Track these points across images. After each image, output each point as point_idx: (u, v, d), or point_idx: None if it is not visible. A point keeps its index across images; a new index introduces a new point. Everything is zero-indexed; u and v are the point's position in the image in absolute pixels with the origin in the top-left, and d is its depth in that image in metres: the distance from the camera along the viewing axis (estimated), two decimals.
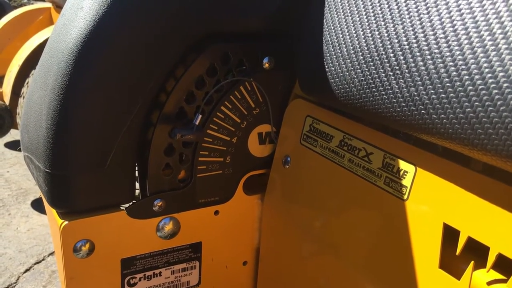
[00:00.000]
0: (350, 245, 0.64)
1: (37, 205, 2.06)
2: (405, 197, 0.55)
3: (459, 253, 0.49)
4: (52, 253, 1.72)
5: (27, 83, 1.96)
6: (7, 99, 2.12)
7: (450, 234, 0.50)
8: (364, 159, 0.61)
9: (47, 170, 0.64)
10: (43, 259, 1.68)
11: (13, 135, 2.55)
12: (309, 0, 0.66)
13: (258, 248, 0.83)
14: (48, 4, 2.80)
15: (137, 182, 0.72)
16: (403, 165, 0.56)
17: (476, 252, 0.48)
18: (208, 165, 0.73)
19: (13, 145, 2.67)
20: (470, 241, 0.48)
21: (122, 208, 0.69)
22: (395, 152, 0.57)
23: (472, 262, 0.48)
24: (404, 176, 0.55)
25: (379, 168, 0.59)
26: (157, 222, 0.72)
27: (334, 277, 0.68)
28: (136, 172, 0.72)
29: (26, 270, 1.62)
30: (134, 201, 0.70)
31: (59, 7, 2.72)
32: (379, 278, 0.59)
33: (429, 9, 0.46)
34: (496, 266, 0.47)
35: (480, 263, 0.48)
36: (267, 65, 0.72)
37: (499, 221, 0.46)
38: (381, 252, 0.59)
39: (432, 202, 0.52)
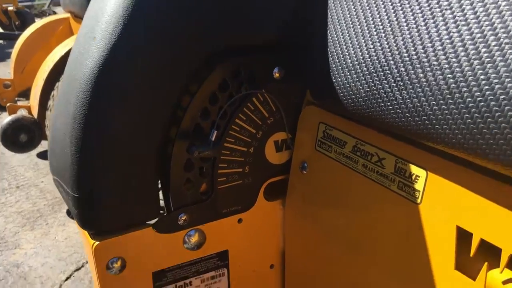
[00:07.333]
0: (368, 246, 0.65)
1: None
2: (419, 201, 0.56)
3: (473, 254, 0.51)
4: None
5: (53, 96, 2.03)
6: (35, 112, 2.19)
7: (463, 237, 0.52)
8: (377, 164, 0.62)
9: (75, 195, 0.67)
10: (82, 266, 1.75)
11: (44, 145, 2.64)
12: (315, 11, 0.67)
13: (283, 251, 0.86)
14: (66, 14, 2.87)
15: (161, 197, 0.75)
16: (414, 169, 0.57)
17: (490, 252, 0.50)
18: (228, 177, 0.76)
19: (46, 156, 2.76)
20: (483, 243, 0.50)
21: (149, 224, 0.73)
22: (406, 157, 0.58)
23: (486, 263, 0.49)
24: (416, 180, 0.57)
25: (391, 172, 0.60)
26: (183, 235, 0.75)
27: (354, 277, 0.69)
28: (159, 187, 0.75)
29: (67, 278, 1.69)
30: (159, 216, 0.73)
31: (77, 17, 2.78)
32: (398, 279, 0.61)
33: (427, 21, 0.47)
34: (510, 266, 0.48)
35: (494, 264, 0.49)
36: (277, 75, 0.74)
37: (509, 223, 0.47)
38: (398, 254, 0.60)
39: (445, 205, 0.53)
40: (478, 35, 0.42)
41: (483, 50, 0.41)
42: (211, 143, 0.70)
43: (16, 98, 2.78)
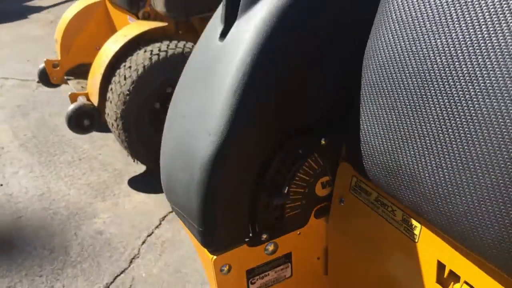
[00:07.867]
0: (384, 260, 1.06)
1: (133, 184, 2.56)
2: (416, 240, 0.96)
3: (446, 276, 0.91)
4: (157, 226, 2.23)
5: (111, 89, 2.38)
6: (94, 99, 2.56)
7: (441, 266, 0.91)
8: (391, 213, 1.01)
9: (200, 228, 1.07)
10: (152, 232, 2.20)
11: None
12: (353, 103, 1.03)
13: (326, 247, 1.27)
14: None
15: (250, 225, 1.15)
16: (414, 222, 0.96)
17: (455, 276, 0.90)
18: (291, 208, 1.15)
19: (99, 129, 3.14)
20: (451, 271, 0.90)
21: (244, 241, 1.13)
22: (409, 213, 0.97)
23: (452, 282, 0.90)
24: (415, 228, 0.96)
25: (400, 220, 0.99)
26: (264, 246, 1.16)
27: (372, 270, 1.11)
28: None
29: (143, 243, 2.14)
30: (249, 237, 1.13)
31: (113, 2, 3.05)
32: (400, 284, 1.02)
33: (427, 157, 0.84)
34: (466, 283, 0.88)
35: (457, 281, 0.89)
36: (323, 142, 1.11)
37: (465, 264, 0.86)
38: (401, 271, 1.01)
39: (431, 246, 0.93)
40: (461, 169, 0.79)
41: (464, 181, 0.79)
42: (283, 195, 1.09)
43: (65, 77, 3.14)
